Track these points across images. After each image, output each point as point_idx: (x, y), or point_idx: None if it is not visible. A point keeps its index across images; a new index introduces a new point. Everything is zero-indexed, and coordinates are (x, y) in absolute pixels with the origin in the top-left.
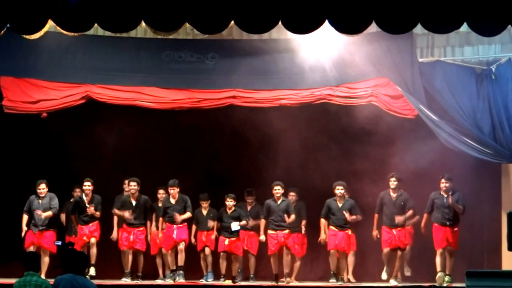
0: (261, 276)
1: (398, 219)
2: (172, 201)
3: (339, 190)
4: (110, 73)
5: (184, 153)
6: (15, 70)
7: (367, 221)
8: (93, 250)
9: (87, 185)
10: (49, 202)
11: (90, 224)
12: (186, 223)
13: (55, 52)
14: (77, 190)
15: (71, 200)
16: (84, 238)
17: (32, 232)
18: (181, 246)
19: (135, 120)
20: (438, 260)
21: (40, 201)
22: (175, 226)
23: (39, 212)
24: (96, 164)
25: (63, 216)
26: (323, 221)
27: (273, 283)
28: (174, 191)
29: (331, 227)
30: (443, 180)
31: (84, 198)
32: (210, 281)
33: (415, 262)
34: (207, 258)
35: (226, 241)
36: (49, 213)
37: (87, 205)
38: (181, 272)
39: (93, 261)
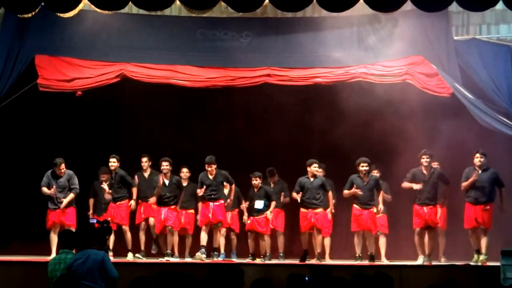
0: (295, 255)
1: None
2: (210, 177)
3: (363, 167)
4: (144, 51)
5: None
6: (49, 48)
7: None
8: (128, 235)
9: (113, 162)
10: (66, 180)
11: (118, 203)
12: (223, 202)
13: (90, 30)
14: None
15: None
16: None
17: (52, 210)
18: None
19: (168, 98)
20: (471, 240)
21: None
22: (211, 204)
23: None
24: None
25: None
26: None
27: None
28: (212, 168)
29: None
30: (477, 155)
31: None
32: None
33: (450, 241)
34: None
35: (249, 220)
36: (71, 195)
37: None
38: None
39: (129, 247)
